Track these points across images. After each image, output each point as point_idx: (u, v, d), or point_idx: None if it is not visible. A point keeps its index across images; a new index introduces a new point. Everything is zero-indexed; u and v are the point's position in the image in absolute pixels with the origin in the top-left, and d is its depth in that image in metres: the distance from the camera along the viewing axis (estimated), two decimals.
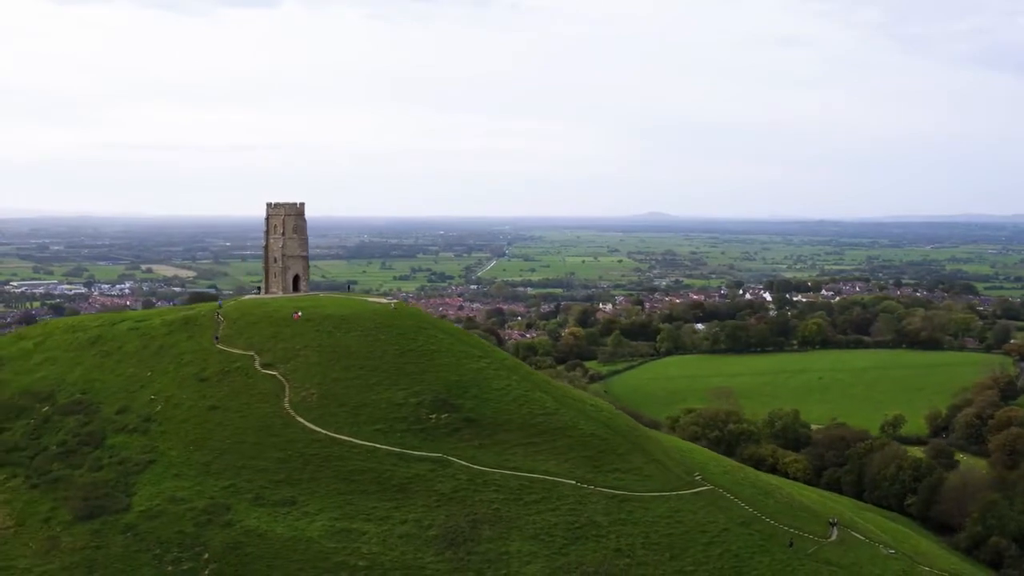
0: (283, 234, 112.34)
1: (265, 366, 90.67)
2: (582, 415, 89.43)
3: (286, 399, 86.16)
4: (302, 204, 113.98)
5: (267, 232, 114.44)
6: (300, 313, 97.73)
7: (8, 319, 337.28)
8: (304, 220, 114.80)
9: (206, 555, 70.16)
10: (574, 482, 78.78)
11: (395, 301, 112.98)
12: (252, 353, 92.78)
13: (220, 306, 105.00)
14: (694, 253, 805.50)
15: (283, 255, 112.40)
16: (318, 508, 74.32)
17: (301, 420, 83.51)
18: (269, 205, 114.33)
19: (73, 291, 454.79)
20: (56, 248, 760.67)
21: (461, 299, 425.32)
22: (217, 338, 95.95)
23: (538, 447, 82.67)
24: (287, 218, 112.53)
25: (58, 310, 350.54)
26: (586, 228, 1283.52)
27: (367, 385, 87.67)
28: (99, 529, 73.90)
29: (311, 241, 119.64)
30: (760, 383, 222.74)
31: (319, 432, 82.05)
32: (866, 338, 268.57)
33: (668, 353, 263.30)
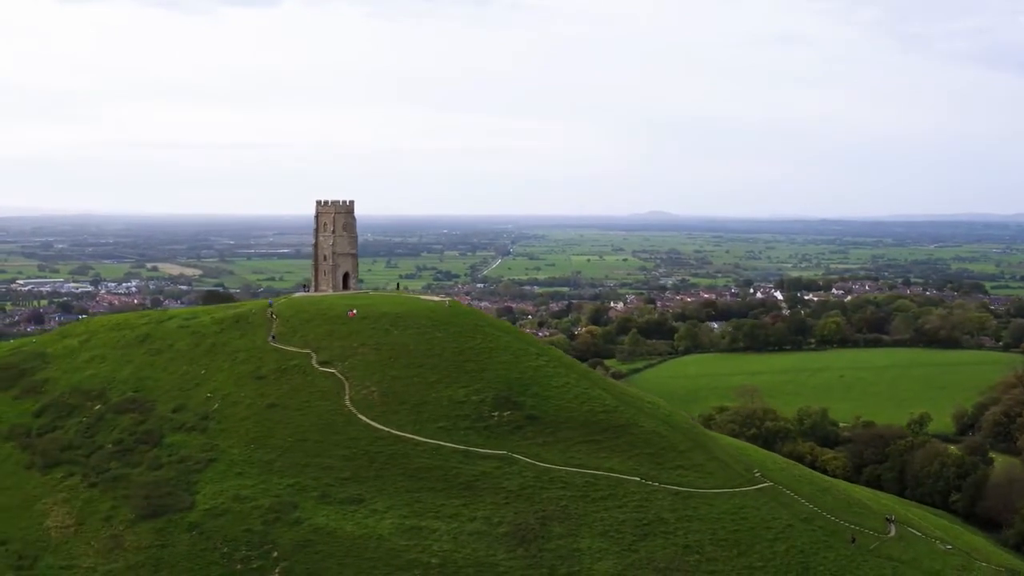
0: (333, 232, 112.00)
1: (323, 364, 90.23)
2: (641, 412, 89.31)
3: (347, 397, 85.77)
4: (351, 202, 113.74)
5: (316, 230, 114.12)
6: (355, 311, 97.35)
7: (16, 317, 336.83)
8: (353, 218, 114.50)
9: (275, 553, 69.77)
10: (639, 479, 78.54)
11: (449, 299, 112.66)
12: (309, 351, 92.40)
13: (271, 304, 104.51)
14: (698, 252, 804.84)
15: (333, 253, 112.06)
16: (386, 506, 73.96)
17: (363, 418, 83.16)
18: (319, 203, 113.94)
19: (80, 289, 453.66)
20: (60, 246, 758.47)
21: (468, 297, 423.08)
22: (273, 337, 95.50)
23: (601, 444, 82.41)
24: (337, 216, 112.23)
25: (66, 308, 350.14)
26: (589, 227, 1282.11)
27: (427, 383, 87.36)
28: (163, 528, 73.35)
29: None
30: (782, 381, 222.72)
31: (382, 430, 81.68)
32: (884, 337, 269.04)
33: (686, 352, 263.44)
